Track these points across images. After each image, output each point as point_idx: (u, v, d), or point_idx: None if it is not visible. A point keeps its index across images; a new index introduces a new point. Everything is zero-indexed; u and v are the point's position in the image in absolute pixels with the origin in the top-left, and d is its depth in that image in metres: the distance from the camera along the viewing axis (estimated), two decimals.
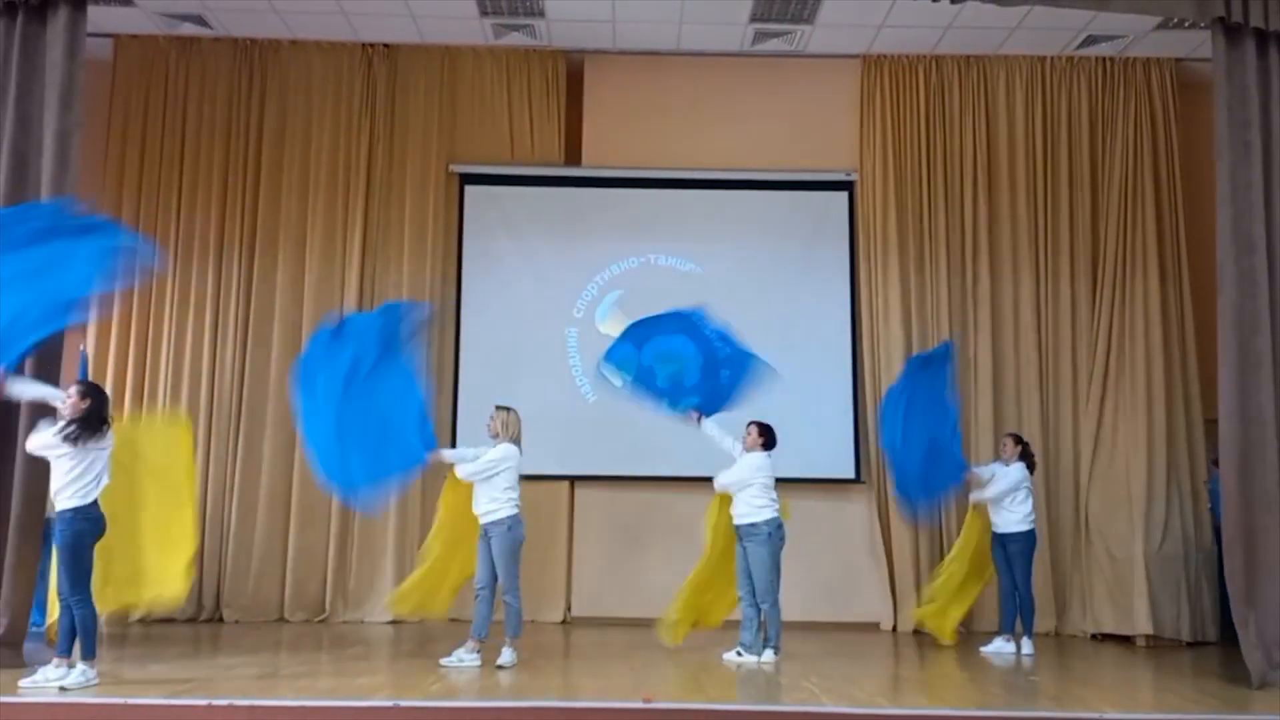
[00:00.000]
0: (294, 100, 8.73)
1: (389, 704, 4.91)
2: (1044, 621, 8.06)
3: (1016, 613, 7.17)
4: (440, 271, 8.67)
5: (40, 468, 5.90)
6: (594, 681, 5.86)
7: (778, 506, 6.52)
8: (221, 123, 8.68)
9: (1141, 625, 7.71)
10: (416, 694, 5.23)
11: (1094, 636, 7.99)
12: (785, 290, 8.70)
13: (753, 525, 6.45)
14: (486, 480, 6.18)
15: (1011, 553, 7.16)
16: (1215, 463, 6.59)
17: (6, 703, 4.86)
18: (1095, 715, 4.91)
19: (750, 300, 8.55)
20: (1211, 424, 7.26)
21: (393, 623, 8.09)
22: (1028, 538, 7.18)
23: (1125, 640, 7.79)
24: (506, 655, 6.06)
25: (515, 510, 6.20)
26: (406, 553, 8.23)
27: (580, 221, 8.86)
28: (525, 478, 6.45)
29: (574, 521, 8.48)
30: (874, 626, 8.27)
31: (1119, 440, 8.23)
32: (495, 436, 6.36)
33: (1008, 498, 7.17)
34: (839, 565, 8.40)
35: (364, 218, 8.64)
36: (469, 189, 8.84)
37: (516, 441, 6.34)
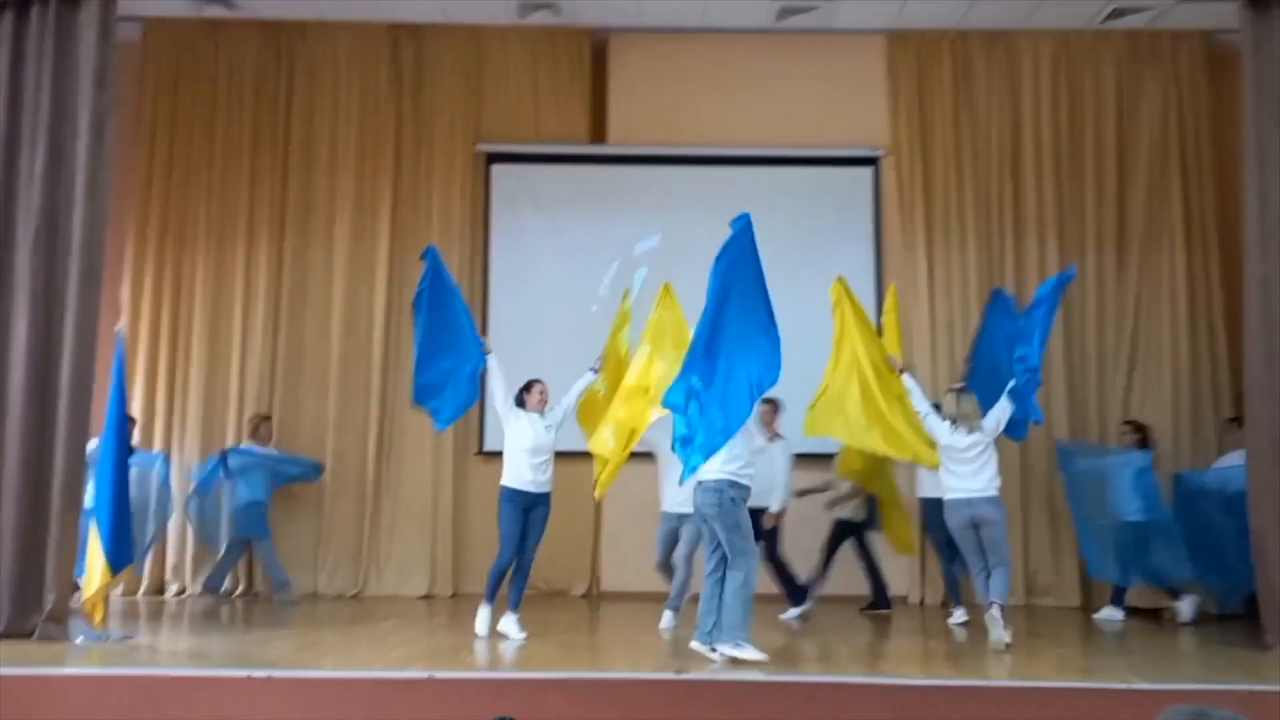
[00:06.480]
0: (321, 81, 8.80)
1: (424, 675, 5.01)
2: (1071, 596, 8.12)
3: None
4: (469, 249, 8.74)
5: (81, 442, 6.04)
6: (625, 653, 5.94)
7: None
8: (250, 104, 8.76)
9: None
10: (452, 665, 5.33)
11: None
12: (811, 267, 8.65)
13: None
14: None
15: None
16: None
17: (49, 675, 4.98)
18: (1124, 685, 4.94)
19: (775, 276, 8.46)
20: (1239, 399, 7.26)
21: (425, 597, 8.22)
22: None
23: (1153, 614, 7.79)
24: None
25: None
26: (439, 526, 8.39)
27: (606, 199, 8.90)
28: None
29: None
30: (901, 600, 8.30)
31: (1146, 415, 8.20)
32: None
33: None
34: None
35: (392, 197, 8.71)
36: (495, 168, 8.89)
37: None
